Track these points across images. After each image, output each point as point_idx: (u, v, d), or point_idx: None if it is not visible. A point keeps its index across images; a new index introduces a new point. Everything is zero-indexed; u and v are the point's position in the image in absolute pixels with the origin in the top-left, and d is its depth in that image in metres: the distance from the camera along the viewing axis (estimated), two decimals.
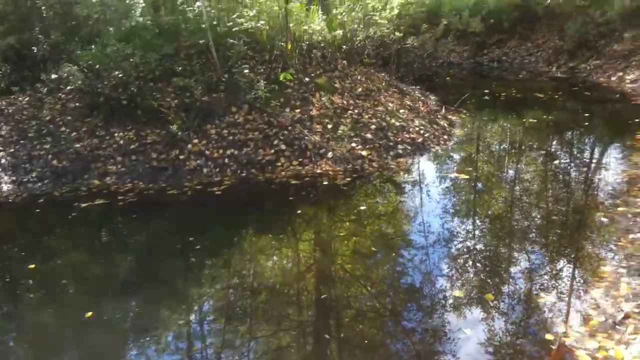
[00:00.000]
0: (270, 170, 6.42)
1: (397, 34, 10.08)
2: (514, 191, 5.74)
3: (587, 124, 8.42)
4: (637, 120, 8.18)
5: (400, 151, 6.85)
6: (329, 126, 6.96)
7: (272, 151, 6.63)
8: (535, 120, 8.58)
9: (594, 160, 6.58)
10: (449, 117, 8.76)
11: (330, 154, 6.52)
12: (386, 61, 14.10)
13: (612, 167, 6.12)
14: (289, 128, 6.81)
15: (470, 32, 15.50)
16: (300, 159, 6.53)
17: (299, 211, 5.41)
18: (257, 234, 5.07)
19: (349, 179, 6.06)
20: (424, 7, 15.64)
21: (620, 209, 4.86)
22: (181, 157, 6.63)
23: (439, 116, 8.44)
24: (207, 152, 6.65)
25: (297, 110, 7.10)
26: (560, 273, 3.94)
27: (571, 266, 4.02)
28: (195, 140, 6.78)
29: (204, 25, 7.25)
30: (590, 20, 13.28)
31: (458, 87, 12.37)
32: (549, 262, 4.13)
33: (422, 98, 9.81)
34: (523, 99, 10.50)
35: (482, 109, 9.94)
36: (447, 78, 13.72)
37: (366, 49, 10.47)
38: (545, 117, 8.87)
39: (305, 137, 6.65)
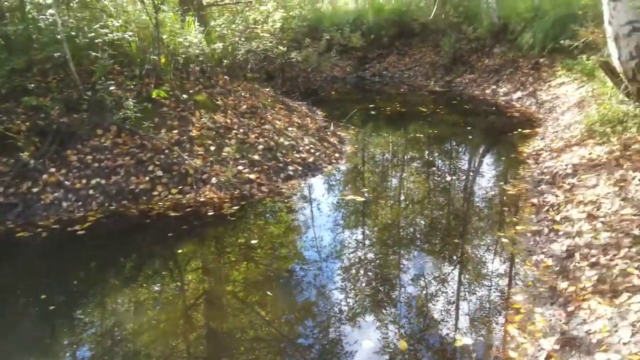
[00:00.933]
0: (145, 201, 5.60)
1: (280, 48, 9.64)
2: (407, 213, 5.49)
3: (471, 137, 8.57)
4: (515, 132, 8.48)
5: (291, 172, 6.36)
6: (212, 148, 6.29)
7: (147, 178, 5.81)
8: (421, 135, 8.59)
9: (484, 176, 6.59)
10: (338, 133, 8.48)
11: (214, 180, 5.85)
12: (271, 75, 13.68)
13: (502, 183, 6.14)
14: (166, 151, 6.04)
15: (351, 47, 15.59)
16: (180, 187, 5.79)
17: (180, 250, 4.67)
18: (131, 283, 4.25)
19: (236, 207, 5.43)
20: (306, 21, 15.48)
21: (518, 227, 4.76)
22: (34, 190, 5.56)
23: (328, 133, 8.11)
24: (66, 182, 5.66)
25: (175, 131, 6.34)
26: (472, 306, 3.65)
27: (481, 298, 3.76)
28: (52, 169, 5.75)
29: (59, 36, 6.24)
30: (463, 37, 13.91)
31: (343, 102, 12.26)
32: (457, 296, 3.83)
33: (310, 114, 9.46)
34: (408, 113, 10.57)
35: (370, 124, 9.82)
36: (333, 92, 13.58)
37: (249, 63, 9.93)
38: (430, 131, 8.92)
39: (185, 162, 5.92)
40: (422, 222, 5.20)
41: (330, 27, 15.22)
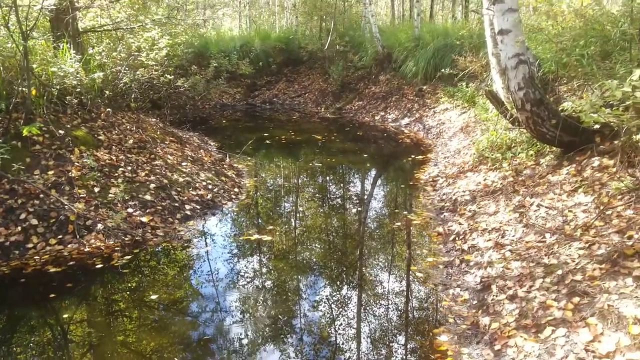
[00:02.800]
0: (17, 256, 4.79)
1: (167, 76, 9.09)
2: (314, 251, 5.26)
3: (368, 164, 8.64)
4: (409, 158, 8.67)
5: (188, 212, 5.87)
6: (96, 190, 5.62)
7: (19, 229, 5.00)
8: (320, 164, 8.49)
9: (387, 206, 6.58)
10: (235, 165, 8.10)
11: (100, 226, 5.19)
12: (157, 105, 12.94)
13: (406, 212, 6.15)
14: (41, 196, 5.27)
15: (240, 74, 15.32)
16: (60, 236, 5.05)
17: (66, 314, 4.00)
18: None
19: (129, 257, 4.84)
20: (191, 47, 14.96)
21: (429, 259, 4.72)
22: None
23: (225, 166, 7.70)
24: None
25: (51, 172, 5.58)
26: (393, 351, 3.46)
27: (405, 342, 3.59)
28: None
29: None
30: (350, 65, 14.24)
31: (235, 130, 11.90)
32: (379, 343, 3.64)
33: (203, 145, 8.99)
34: (303, 142, 10.47)
35: (266, 154, 9.55)
36: (223, 121, 13.15)
37: (133, 93, 9.24)
38: (329, 159, 8.85)
39: (65, 207, 5.20)
40: (331, 263, 4.99)
41: (217, 54, 14.84)
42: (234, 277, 4.55)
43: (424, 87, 12.51)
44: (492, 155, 6.52)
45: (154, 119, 10.00)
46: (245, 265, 4.80)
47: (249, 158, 8.78)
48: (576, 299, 3.26)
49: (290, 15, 19.36)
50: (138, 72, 8.34)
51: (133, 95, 9.18)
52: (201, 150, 8.10)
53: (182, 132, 9.88)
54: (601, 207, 4.23)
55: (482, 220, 5.18)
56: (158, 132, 7.69)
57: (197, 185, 6.44)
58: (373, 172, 8.44)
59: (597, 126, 4.49)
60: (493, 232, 4.83)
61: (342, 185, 7.54)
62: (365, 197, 6.90)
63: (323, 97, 15.14)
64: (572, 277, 3.48)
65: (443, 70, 10.97)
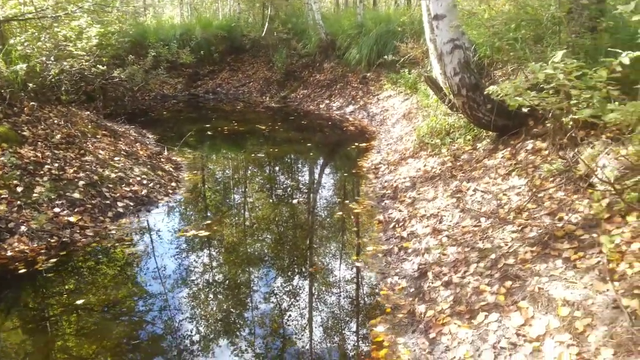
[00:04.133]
0: None
1: (99, 67, 8.65)
2: (254, 243, 5.13)
3: (312, 154, 8.54)
4: (353, 146, 8.63)
5: (121, 210, 5.60)
6: (19, 189, 5.26)
7: None
8: (263, 155, 8.32)
9: (330, 195, 6.51)
10: (174, 158, 7.83)
11: (24, 228, 4.86)
12: (91, 97, 12.39)
13: (348, 201, 6.09)
14: None
15: (181, 63, 14.85)
16: None
17: None
18: None
19: (55, 260, 4.55)
20: (127, 36, 14.36)
21: (370, 248, 4.68)
22: None
23: (162, 159, 7.42)
24: None
25: None
26: (332, 347, 3.39)
27: (342, 335, 3.52)
28: None
29: None
30: (294, 52, 14.04)
31: (177, 122, 11.54)
32: (316, 336, 3.56)
33: (140, 139, 8.65)
34: (246, 132, 10.25)
35: (208, 146, 9.28)
36: (164, 112, 12.72)
37: (63, 85, 8.76)
38: (272, 150, 8.70)
39: None
40: (271, 252, 4.87)
41: (156, 43, 14.30)
42: (167, 275, 4.36)
43: (368, 74, 12.50)
44: (432, 141, 6.54)
45: (87, 112, 9.55)
46: (179, 263, 4.61)
47: (189, 150, 8.51)
48: (508, 283, 3.27)
49: (233, 2, 18.94)
50: (65, 64, 7.88)
51: (63, 88, 8.71)
52: (137, 144, 7.78)
53: (118, 125, 9.48)
54: (533, 190, 4.29)
55: (421, 207, 5.18)
56: (90, 126, 7.31)
57: (130, 180, 6.16)
58: (317, 162, 8.36)
59: (526, 110, 4.54)
60: (431, 218, 4.84)
61: (284, 175, 7.41)
62: (308, 187, 6.81)
63: (268, 86, 14.91)
64: (505, 261, 3.50)
65: (386, 56, 10.96)
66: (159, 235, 5.17)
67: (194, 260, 4.66)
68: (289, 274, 4.42)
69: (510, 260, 3.48)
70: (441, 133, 6.69)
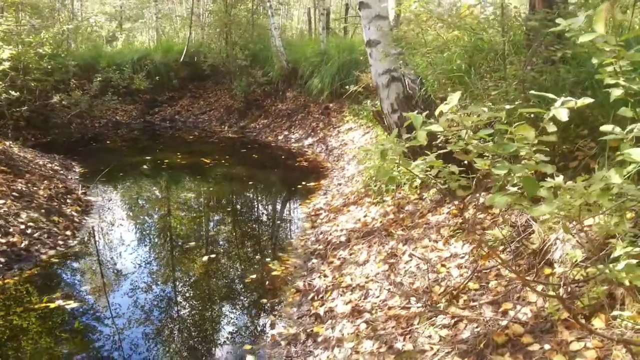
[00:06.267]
0: None
1: (12, 93, 7.66)
2: (122, 322, 4.08)
3: (250, 195, 7.56)
4: (300, 185, 7.66)
5: None
6: None
7: None
8: (193, 194, 7.32)
9: (250, 251, 5.51)
10: (87, 198, 6.78)
11: None
12: (32, 123, 11.40)
13: (269, 258, 5.10)
14: None
15: (136, 89, 13.90)
16: None
17: None
18: None
19: None
20: (75, 59, 13.42)
21: (273, 332, 3.65)
22: None
23: (68, 200, 6.37)
24: None
25: None
26: None
27: None
28: None
29: None
30: (253, 81, 13.18)
31: (118, 153, 10.52)
32: None
33: (57, 174, 7.60)
34: (188, 166, 9.26)
35: (135, 183, 8.26)
36: (108, 142, 11.69)
37: None
38: (206, 188, 7.70)
39: None
40: (136, 339, 3.82)
41: (107, 67, 13.36)
42: None
43: (330, 105, 11.63)
44: (377, 185, 5.60)
45: (9, 142, 8.53)
46: (25, 344, 3.53)
47: (112, 188, 7.48)
48: None
49: (196, 26, 18.16)
50: None
51: None
52: (45, 181, 6.72)
53: (39, 157, 8.43)
54: (478, 264, 3.33)
55: (349, 273, 4.19)
56: None
57: (11, 229, 5.10)
58: (253, 205, 7.35)
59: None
60: (356, 291, 3.84)
61: (206, 223, 6.36)
62: (230, 239, 5.78)
63: (228, 115, 13.99)
64: None
65: (347, 87, 10.12)
66: (11, 305, 4.08)
67: (42, 341, 3.58)
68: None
69: None
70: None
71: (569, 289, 2.56)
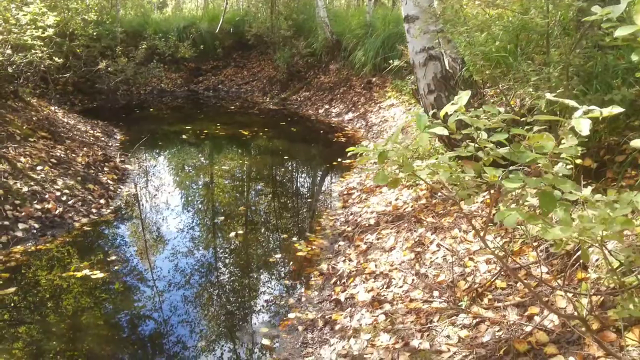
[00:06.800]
0: None
1: (56, 59, 7.77)
2: (165, 301, 4.10)
3: (284, 169, 7.49)
4: (335, 162, 7.52)
5: (19, 234, 4.65)
6: None
7: None
8: (228, 167, 7.29)
9: (279, 229, 5.44)
10: (125, 166, 6.88)
11: None
12: (81, 90, 11.68)
13: (297, 238, 5.02)
14: None
15: (181, 57, 13.94)
16: None
17: None
18: None
19: None
20: (124, 26, 13.58)
21: (291, 315, 3.59)
22: None
23: (106, 168, 6.47)
24: None
25: None
26: None
27: None
28: None
29: None
30: (297, 52, 12.98)
31: (159, 120, 10.64)
32: None
33: (98, 141, 7.73)
34: (226, 137, 9.27)
35: (171, 152, 8.33)
36: (151, 109, 11.83)
37: (22, 77, 7.93)
38: (241, 162, 7.68)
39: None
40: (159, 316, 3.84)
41: (153, 35, 13.44)
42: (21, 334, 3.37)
43: (373, 79, 11.33)
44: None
45: (53, 108, 8.74)
46: (46, 317, 3.61)
47: (148, 156, 7.57)
48: None
49: None
50: (10, 54, 7.00)
51: (21, 80, 7.89)
52: (85, 148, 6.85)
53: (82, 122, 8.61)
54: (508, 260, 3.13)
55: (374, 259, 4.07)
56: (25, 127, 6.41)
57: (47, 196, 5.21)
58: (285, 180, 7.25)
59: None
60: (379, 279, 3.72)
61: (238, 198, 6.32)
62: (259, 215, 5.73)
63: (271, 86, 13.90)
64: None
65: (391, 61, 9.79)
66: (38, 274, 4.18)
67: (61, 315, 3.65)
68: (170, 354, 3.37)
69: None
70: (424, 157, 5.53)
71: (602, 299, 2.36)
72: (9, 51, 6.75)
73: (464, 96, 1.68)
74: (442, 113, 1.75)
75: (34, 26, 7.09)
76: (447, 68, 4.42)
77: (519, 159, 1.53)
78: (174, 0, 24.35)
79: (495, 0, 3.03)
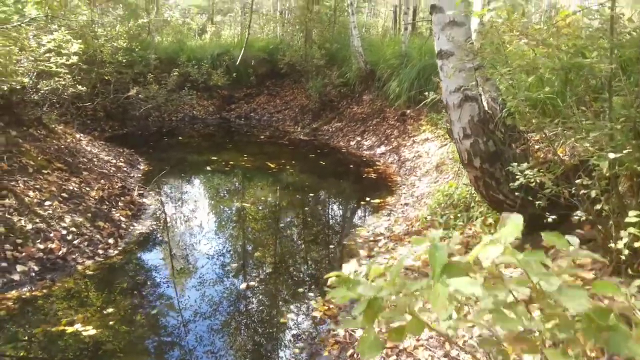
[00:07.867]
0: None
1: (79, 87, 7.63)
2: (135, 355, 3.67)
3: (307, 209, 7.03)
4: (364, 202, 7.04)
5: (16, 277, 4.34)
6: None
7: None
8: (248, 204, 6.89)
9: (291, 289, 4.97)
10: (142, 200, 6.58)
11: None
12: (111, 116, 11.60)
13: (312, 294, 4.54)
14: None
15: (214, 84, 13.83)
16: None
17: None
18: None
19: None
20: (159, 52, 13.58)
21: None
22: None
23: (120, 203, 6.18)
24: None
25: None
26: None
27: None
28: None
29: None
30: (329, 81, 12.66)
31: (187, 149, 10.41)
32: None
33: (117, 173, 7.49)
34: (251, 170, 8.93)
35: (193, 185, 8.02)
36: (180, 137, 11.65)
37: (46, 104, 7.83)
38: (263, 198, 7.27)
39: None
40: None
41: (186, 62, 13.40)
42: None
43: (407, 112, 10.85)
44: (441, 217, 4.88)
45: (78, 135, 8.60)
46: None
47: (168, 190, 7.27)
48: None
49: (276, 24, 17.92)
50: (46, 82, 6.88)
51: (45, 107, 7.77)
52: (102, 180, 6.59)
53: (105, 151, 8.42)
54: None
55: None
56: (40, 157, 6.19)
57: (51, 234, 4.91)
58: (305, 224, 6.73)
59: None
60: (402, 356, 3.19)
61: (254, 243, 5.86)
62: (269, 265, 5.23)
63: (302, 115, 13.61)
64: None
65: (426, 93, 9.32)
66: (34, 323, 3.81)
67: None
68: None
69: None
70: (459, 206, 5.01)
71: None
72: (26, 79, 6.58)
73: (510, 229, 1.16)
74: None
75: (57, 53, 6.97)
76: (486, 108, 3.93)
77: (617, 348, 1.03)
78: (212, 28, 24.63)
79: (546, 40, 2.54)
